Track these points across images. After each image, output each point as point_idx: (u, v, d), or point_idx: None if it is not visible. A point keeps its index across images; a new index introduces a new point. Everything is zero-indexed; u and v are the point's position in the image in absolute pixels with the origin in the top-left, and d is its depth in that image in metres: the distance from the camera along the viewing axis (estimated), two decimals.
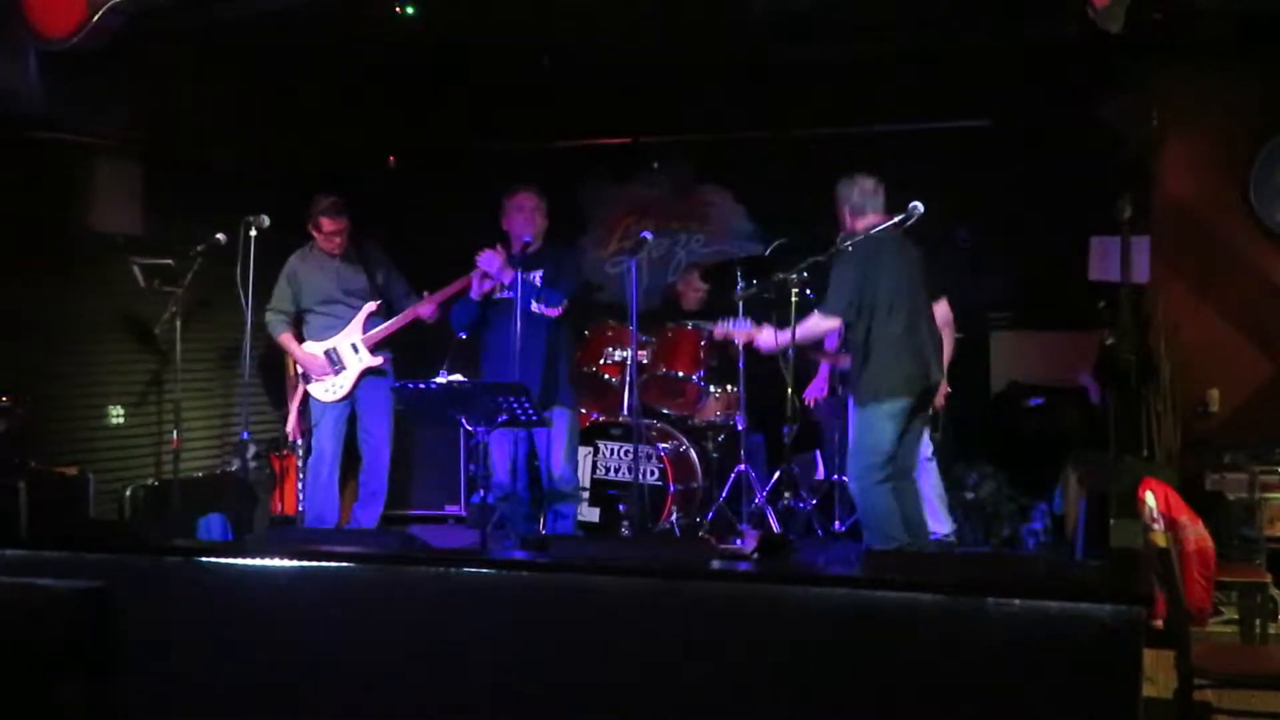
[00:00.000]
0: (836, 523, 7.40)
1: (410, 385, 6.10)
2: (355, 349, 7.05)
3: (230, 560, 4.38)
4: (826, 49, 7.68)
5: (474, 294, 6.71)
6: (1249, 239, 7.05)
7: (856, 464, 5.91)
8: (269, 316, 7.10)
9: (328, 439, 7.09)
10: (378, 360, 7.06)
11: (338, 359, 7.04)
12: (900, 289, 5.92)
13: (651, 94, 8.42)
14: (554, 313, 6.58)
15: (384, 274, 7.19)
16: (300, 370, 7.23)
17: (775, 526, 7.09)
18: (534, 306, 6.54)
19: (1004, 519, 7.14)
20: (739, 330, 6.36)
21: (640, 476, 6.88)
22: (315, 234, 7.08)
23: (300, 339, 7.16)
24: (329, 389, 7.06)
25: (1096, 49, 6.29)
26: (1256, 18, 6.22)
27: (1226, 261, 7.10)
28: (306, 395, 7.19)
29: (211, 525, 7.14)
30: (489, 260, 6.56)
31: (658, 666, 3.79)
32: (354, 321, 7.07)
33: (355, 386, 7.06)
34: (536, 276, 6.62)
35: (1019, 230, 7.80)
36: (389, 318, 7.12)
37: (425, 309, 7.06)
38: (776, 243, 7.50)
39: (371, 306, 7.09)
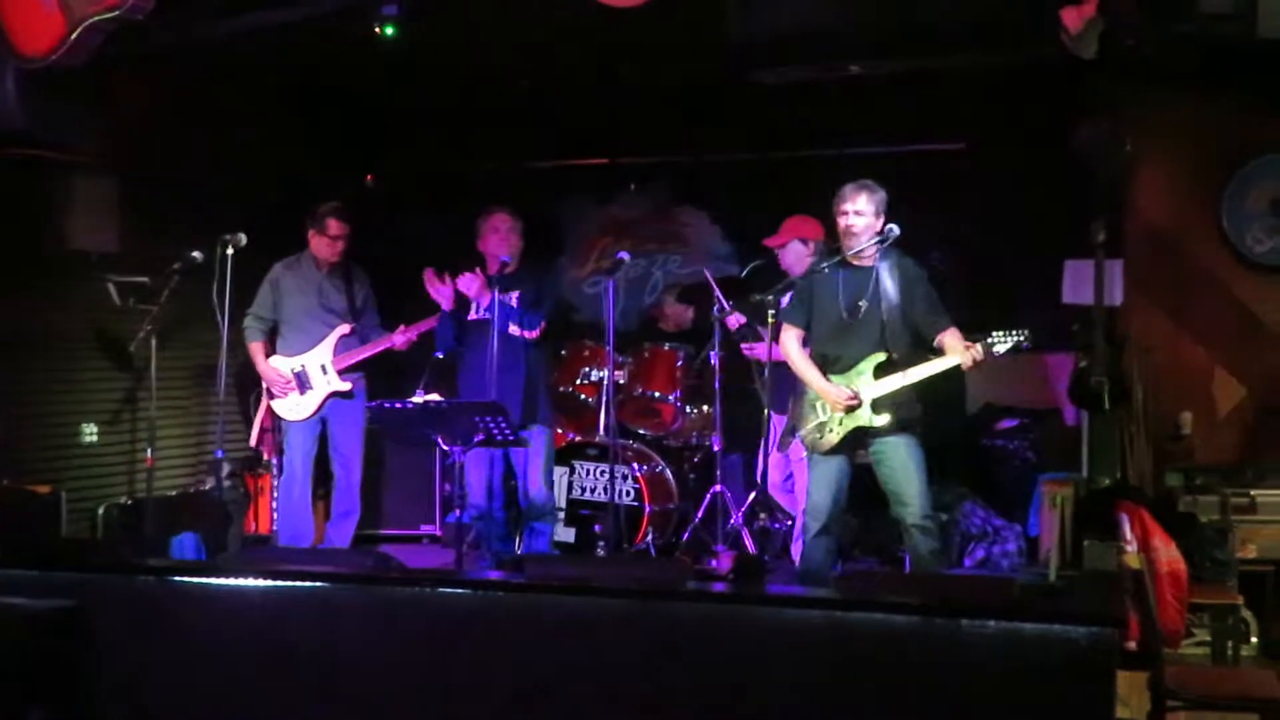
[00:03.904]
0: None
1: (386, 404, 6.01)
2: (324, 370, 6.98)
3: (203, 580, 4.36)
4: (802, 73, 7.72)
5: (445, 307, 6.64)
6: (1222, 263, 7.10)
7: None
8: (247, 321, 7.04)
9: (298, 458, 7.03)
10: (346, 385, 6.98)
11: (306, 379, 6.97)
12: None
13: (629, 116, 8.45)
14: (532, 335, 6.58)
15: (362, 299, 7.14)
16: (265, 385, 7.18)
17: (751, 548, 7.09)
18: (511, 329, 6.51)
19: (978, 540, 7.15)
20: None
21: (616, 497, 6.87)
22: (317, 238, 6.98)
23: (273, 351, 7.08)
24: (292, 408, 7.00)
25: (1071, 74, 6.35)
26: (1229, 45, 6.28)
27: (1199, 285, 7.14)
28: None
29: (185, 544, 7.09)
30: (468, 283, 6.53)
31: (632, 687, 3.78)
32: (326, 341, 6.99)
33: (321, 407, 7.01)
34: (513, 297, 6.61)
35: (993, 253, 7.83)
36: (360, 341, 7.08)
37: (399, 339, 6.98)
38: (753, 264, 7.51)
39: (345, 329, 7.02)
